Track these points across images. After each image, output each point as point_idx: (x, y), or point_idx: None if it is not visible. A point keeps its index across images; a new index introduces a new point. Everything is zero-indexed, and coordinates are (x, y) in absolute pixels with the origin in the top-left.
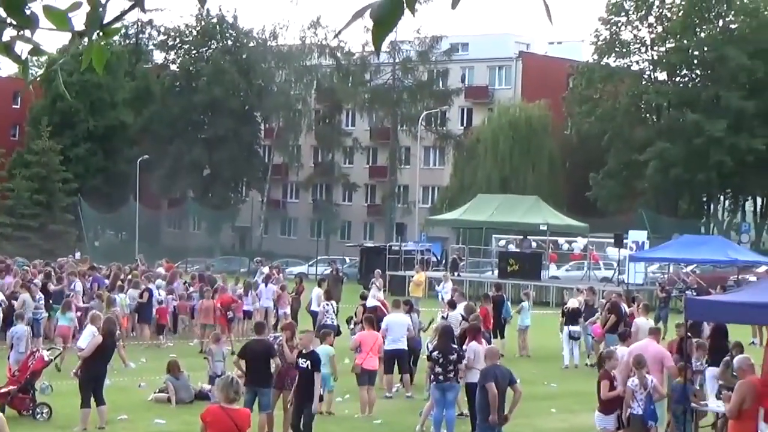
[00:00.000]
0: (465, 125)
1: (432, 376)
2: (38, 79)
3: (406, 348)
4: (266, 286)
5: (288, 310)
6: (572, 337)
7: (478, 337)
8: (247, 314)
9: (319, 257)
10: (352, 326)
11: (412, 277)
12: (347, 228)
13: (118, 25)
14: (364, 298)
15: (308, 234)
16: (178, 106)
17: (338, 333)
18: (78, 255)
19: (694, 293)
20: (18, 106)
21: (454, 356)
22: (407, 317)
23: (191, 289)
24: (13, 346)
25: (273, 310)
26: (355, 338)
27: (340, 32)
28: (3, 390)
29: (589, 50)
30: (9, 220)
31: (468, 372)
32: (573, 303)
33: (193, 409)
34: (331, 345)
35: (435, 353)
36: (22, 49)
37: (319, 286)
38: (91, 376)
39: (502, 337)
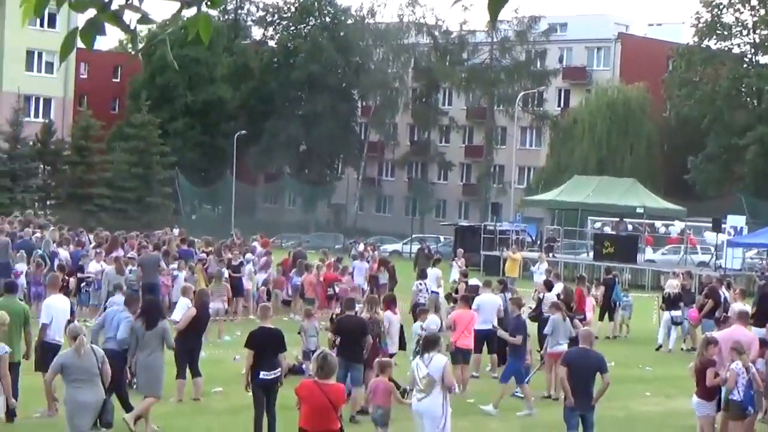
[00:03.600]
0: (562, 106)
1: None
2: (139, 51)
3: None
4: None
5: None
6: (675, 322)
7: (392, 307)
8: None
9: (413, 235)
10: (452, 304)
11: (507, 257)
12: (442, 207)
13: None
14: (465, 275)
15: (403, 212)
16: (276, 82)
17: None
18: (177, 230)
19: None
20: (118, 80)
21: None
22: (498, 297)
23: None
24: None
25: (367, 288)
26: (450, 316)
27: (454, 4)
28: None
29: (689, 32)
30: (108, 191)
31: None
32: (672, 288)
33: (288, 384)
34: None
35: None
36: (130, 18)
37: (434, 266)
38: (186, 348)
39: (611, 319)
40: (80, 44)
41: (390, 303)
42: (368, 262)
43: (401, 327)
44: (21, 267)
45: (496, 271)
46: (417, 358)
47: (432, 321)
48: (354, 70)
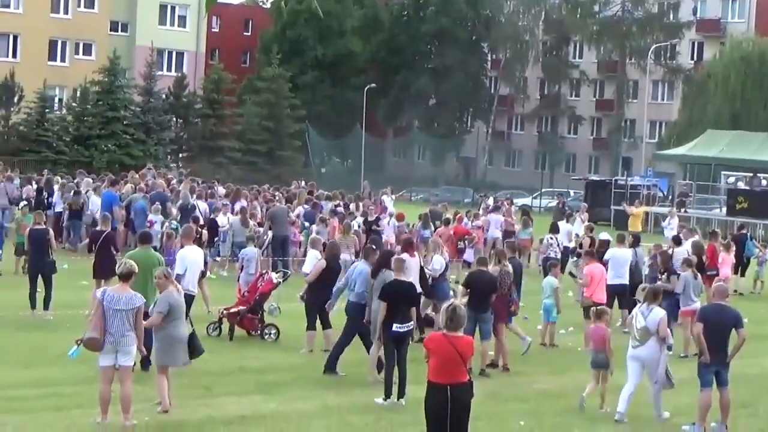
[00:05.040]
0: (695, 59)
1: None
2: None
3: (628, 283)
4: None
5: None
6: None
7: (410, 250)
8: None
9: (543, 189)
10: (575, 258)
11: (630, 213)
12: (572, 161)
13: None
14: (591, 230)
15: (532, 166)
16: (406, 35)
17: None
18: (303, 183)
19: None
20: (249, 34)
21: None
22: (630, 252)
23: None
24: (243, 268)
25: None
26: (585, 271)
27: None
28: (233, 310)
29: None
30: (238, 144)
31: None
32: None
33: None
34: (556, 277)
35: None
36: None
37: (567, 221)
38: (317, 300)
39: (743, 275)
40: None
41: (408, 247)
42: (504, 215)
43: (421, 268)
44: (155, 218)
45: (626, 226)
46: (637, 309)
47: (437, 261)
48: (484, 23)
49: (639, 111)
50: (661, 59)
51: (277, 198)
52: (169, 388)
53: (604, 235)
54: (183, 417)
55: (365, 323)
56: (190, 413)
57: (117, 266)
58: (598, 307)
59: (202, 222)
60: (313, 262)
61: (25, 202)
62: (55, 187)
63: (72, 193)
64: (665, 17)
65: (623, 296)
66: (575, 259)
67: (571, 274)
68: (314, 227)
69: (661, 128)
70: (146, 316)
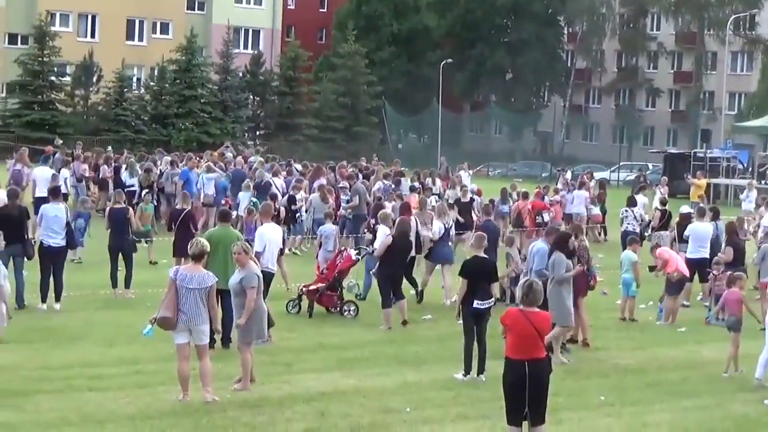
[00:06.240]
0: None
1: None
2: None
3: (708, 257)
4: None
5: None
6: None
7: (407, 213)
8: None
9: (621, 163)
10: (648, 232)
11: (692, 183)
12: (650, 134)
13: None
14: (663, 203)
15: (610, 139)
16: (482, 9)
17: (642, 239)
18: (376, 158)
19: None
20: (324, 10)
21: None
22: (711, 225)
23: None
24: (321, 245)
25: (584, 216)
26: (657, 254)
27: None
28: (312, 287)
29: None
30: (315, 122)
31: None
32: None
33: (496, 312)
34: (635, 251)
35: None
36: None
37: (641, 193)
38: (387, 275)
39: None
40: None
41: (405, 210)
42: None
43: (417, 232)
44: (246, 194)
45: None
46: None
47: (435, 225)
48: None
49: (718, 83)
50: (740, 30)
51: (354, 175)
52: (252, 366)
53: (684, 209)
54: (264, 393)
55: None
56: (270, 390)
57: (189, 245)
58: (735, 273)
59: (280, 199)
60: (382, 237)
61: (147, 191)
62: (124, 166)
63: (144, 171)
64: None
65: (703, 270)
66: (649, 233)
67: (650, 267)
68: (387, 204)
69: (741, 100)
70: (219, 294)
